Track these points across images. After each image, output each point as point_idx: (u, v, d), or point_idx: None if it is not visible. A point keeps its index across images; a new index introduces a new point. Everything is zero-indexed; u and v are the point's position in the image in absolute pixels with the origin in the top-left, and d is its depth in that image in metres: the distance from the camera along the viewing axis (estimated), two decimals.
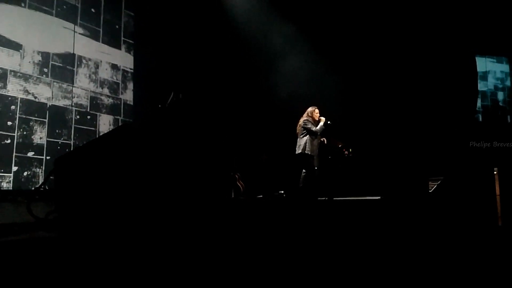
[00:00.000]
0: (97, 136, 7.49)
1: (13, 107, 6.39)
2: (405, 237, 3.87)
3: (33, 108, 6.67)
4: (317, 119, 6.61)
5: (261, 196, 7.22)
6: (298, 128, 6.65)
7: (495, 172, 6.11)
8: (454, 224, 4.59)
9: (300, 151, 6.50)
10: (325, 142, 6.74)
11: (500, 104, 10.13)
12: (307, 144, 6.43)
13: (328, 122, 6.53)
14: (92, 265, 2.00)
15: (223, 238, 2.77)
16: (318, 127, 6.49)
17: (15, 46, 6.52)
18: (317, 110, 6.69)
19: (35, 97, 6.72)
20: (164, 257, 2.21)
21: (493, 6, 8.97)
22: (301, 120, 6.64)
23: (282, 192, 7.05)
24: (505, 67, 10.31)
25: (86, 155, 2.62)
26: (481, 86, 10.05)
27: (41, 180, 6.55)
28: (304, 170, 6.39)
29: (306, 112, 6.71)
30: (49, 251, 1.98)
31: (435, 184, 5.64)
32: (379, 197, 5.29)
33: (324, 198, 6.15)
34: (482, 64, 10.17)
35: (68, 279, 1.88)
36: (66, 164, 2.65)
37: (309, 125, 6.49)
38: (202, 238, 2.58)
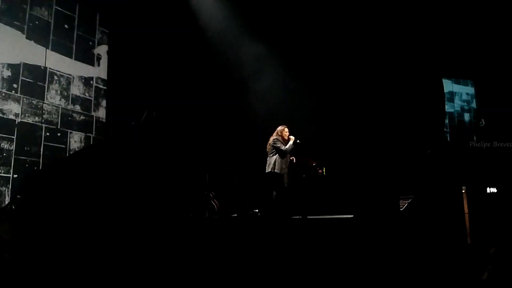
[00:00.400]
0: (67, 154, 7.33)
1: None
2: (377, 254, 3.92)
3: (1, 124, 6.48)
4: (286, 138, 6.69)
5: (236, 215, 7.17)
6: (268, 147, 6.71)
7: (463, 191, 6.28)
8: (425, 242, 4.68)
9: (269, 169, 6.56)
10: (294, 161, 6.81)
11: (466, 125, 10.52)
12: (276, 163, 6.50)
13: (298, 141, 6.62)
14: None
15: (196, 257, 2.74)
16: (288, 146, 6.57)
17: None
18: (286, 129, 6.77)
19: (3, 113, 6.54)
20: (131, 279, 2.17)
21: (459, 30, 9.36)
22: (271, 139, 6.71)
23: (257, 211, 7.03)
24: (470, 90, 10.74)
25: (55, 174, 2.56)
26: (448, 108, 10.41)
27: (7, 200, 6.33)
28: (274, 191, 6.44)
29: (275, 131, 6.78)
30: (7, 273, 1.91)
31: (406, 203, 5.75)
32: (351, 216, 5.35)
33: (298, 217, 6.17)
34: (449, 86, 10.56)
35: None
36: (34, 183, 2.58)
37: (278, 144, 6.56)
38: (175, 258, 2.54)
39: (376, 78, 9.25)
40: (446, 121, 10.25)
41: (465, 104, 10.63)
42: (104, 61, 8.39)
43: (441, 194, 6.20)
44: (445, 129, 10.22)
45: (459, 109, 10.54)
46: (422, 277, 3.60)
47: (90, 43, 8.17)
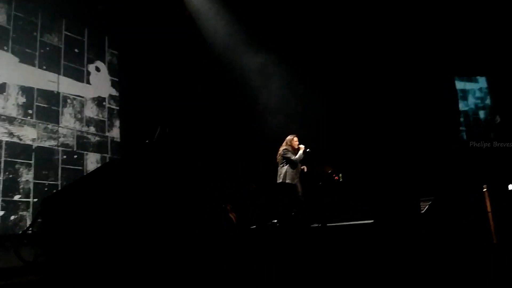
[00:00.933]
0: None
1: None
2: (400, 258, 3.84)
3: (18, 150, 6.59)
4: (296, 147, 6.67)
5: (255, 226, 7.13)
6: (278, 158, 6.70)
7: (484, 189, 6.16)
8: (449, 244, 4.58)
9: (280, 180, 6.55)
10: (305, 170, 6.76)
11: (482, 122, 10.36)
12: (287, 173, 6.48)
13: (307, 150, 6.59)
14: None
15: (219, 271, 2.72)
16: (297, 155, 6.55)
17: None
18: (296, 138, 6.75)
19: (20, 139, 6.65)
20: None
21: (469, 26, 9.26)
22: (281, 149, 6.70)
23: (276, 221, 6.98)
24: (483, 86, 10.59)
25: (73, 194, 2.58)
26: (462, 106, 10.27)
27: (28, 223, 6.40)
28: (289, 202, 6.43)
29: (285, 141, 6.77)
30: None
31: (426, 205, 5.65)
32: (371, 221, 5.27)
33: (317, 225, 6.11)
34: (461, 84, 10.44)
35: None
36: (53, 205, 2.60)
37: (289, 155, 6.55)
38: (198, 272, 2.52)
39: (388, 81, 9.18)
40: (461, 119, 10.11)
41: (479, 101, 10.48)
42: (115, 82, 8.50)
43: (462, 194, 6.09)
44: (460, 128, 10.07)
45: (473, 107, 10.39)
46: (447, 279, 3.52)
47: (102, 65, 8.29)
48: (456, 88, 10.35)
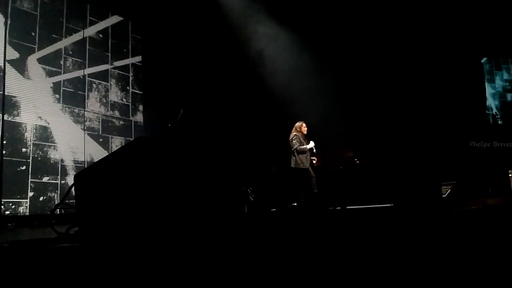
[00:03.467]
0: None
1: (26, 134, 6.53)
2: (419, 243, 3.84)
3: (46, 133, 6.80)
4: (305, 133, 6.82)
5: (275, 209, 7.21)
6: (290, 143, 6.79)
7: (510, 175, 6.06)
8: (471, 229, 4.54)
9: (292, 165, 6.71)
10: (315, 161, 6.80)
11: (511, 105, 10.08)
12: (297, 158, 6.62)
13: (314, 150, 6.67)
14: (111, 271, 2.07)
15: (239, 252, 2.80)
16: (303, 146, 6.62)
17: (26, 74, 6.69)
18: (304, 125, 6.88)
19: (48, 123, 6.85)
20: (178, 267, 2.25)
21: (502, 10, 8.97)
22: (291, 135, 6.78)
23: (296, 204, 7.05)
24: None
25: (104, 168, 2.68)
26: (489, 89, 10.01)
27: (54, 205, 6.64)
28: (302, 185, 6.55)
29: (294, 127, 6.86)
30: (73, 259, 2.05)
31: (448, 188, 5.60)
32: (391, 204, 5.27)
33: (337, 208, 6.15)
34: (490, 66, 10.15)
35: (91, 284, 1.95)
36: (85, 179, 2.71)
37: (295, 142, 6.65)
38: (219, 251, 2.60)
39: (414, 61, 9.01)
40: (488, 102, 9.85)
41: (507, 84, 10.19)
42: (138, 67, 8.62)
43: (486, 178, 6.00)
44: (486, 111, 9.83)
45: (501, 89, 10.11)
46: (469, 267, 3.51)
47: (125, 50, 8.42)
48: (483, 69, 10.08)
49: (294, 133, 6.77)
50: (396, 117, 8.80)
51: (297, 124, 6.88)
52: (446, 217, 4.60)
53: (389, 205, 5.29)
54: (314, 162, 6.79)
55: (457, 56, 9.37)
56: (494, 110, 9.89)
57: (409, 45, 9.07)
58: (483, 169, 6.45)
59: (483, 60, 10.10)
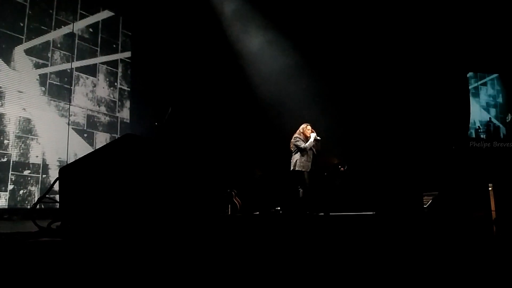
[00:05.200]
0: None
1: (9, 125, 6.42)
2: (399, 251, 3.89)
3: (30, 126, 6.70)
4: (308, 135, 6.70)
5: (258, 212, 7.22)
6: (291, 146, 6.75)
7: (490, 188, 6.16)
8: (450, 239, 4.61)
9: (292, 167, 6.62)
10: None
11: (492, 120, 10.27)
12: (297, 161, 6.54)
13: (318, 138, 6.61)
14: (95, 266, 2.05)
15: (218, 254, 2.79)
16: (308, 143, 6.59)
17: (13, 65, 6.59)
18: (309, 127, 6.77)
19: (32, 115, 6.75)
20: (161, 263, 2.24)
21: (485, 24, 9.15)
22: (292, 138, 6.75)
23: (279, 208, 7.07)
24: (496, 84, 10.49)
25: (90, 164, 2.66)
26: (473, 103, 10.19)
27: (36, 199, 6.54)
28: (299, 187, 6.46)
29: (298, 129, 6.81)
30: (55, 253, 2.03)
31: (430, 199, 5.68)
32: (373, 212, 5.32)
33: (320, 214, 6.18)
34: (474, 81, 10.34)
35: (73, 278, 1.94)
36: (71, 173, 2.68)
37: (299, 142, 6.60)
38: (198, 251, 2.60)
39: (398, 74, 9.13)
40: (471, 117, 10.02)
41: (491, 99, 10.39)
42: (127, 63, 8.56)
43: (467, 191, 6.09)
44: (470, 125, 10.00)
45: (484, 104, 10.30)
46: (446, 272, 3.56)
47: (114, 46, 8.35)
48: (468, 84, 10.25)
49: (297, 135, 6.72)
50: (380, 125, 8.90)
51: (302, 125, 6.79)
52: (426, 227, 4.66)
53: (371, 213, 5.34)
54: (319, 138, 6.68)
55: (443, 69, 9.53)
56: (478, 124, 10.07)
57: (397, 52, 9.18)
58: (465, 181, 6.55)
59: (469, 74, 10.28)
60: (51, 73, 7.11)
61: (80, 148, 7.35)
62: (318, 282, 3.07)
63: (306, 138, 6.68)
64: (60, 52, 7.30)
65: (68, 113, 7.30)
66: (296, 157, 6.59)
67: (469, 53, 9.61)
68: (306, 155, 6.62)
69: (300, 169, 6.49)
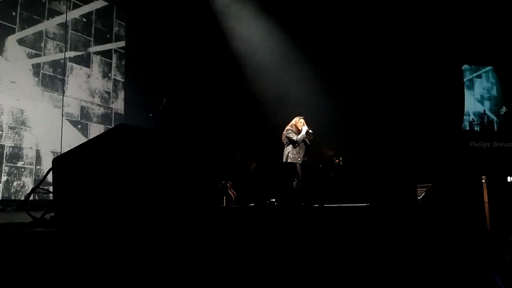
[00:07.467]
0: None
1: (2, 116, 6.37)
2: (394, 242, 3.92)
3: (23, 117, 6.65)
4: (300, 128, 6.69)
5: (253, 204, 7.23)
6: (283, 138, 6.75)
7: (483, 181, 6.20)
8: (443, 231, 4.65)
9: (284, 160, 6.63)
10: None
11: (487, 113, 10.31)
12: (289, 153, 6.55)
13: (310, 131, 6.61)
14: (89, 256, 2.05)
15: (212, 245, 2.80)
16: (299, 135, 6.59)
17: (5, 55, 6.52)
18: (302, 120, 6.76)
19: (25, 106, 6.69)
20: (157, 255, 2.24)
21: (480, 16, 9.15)
22: (285, 129, 6.75)
23: (274, 200, 7.08)
24: (491, 76, 10.51)
25: (84, 154, 2.64)
26: (467, 95, 10.21)
27: (30, 190, 6.51)
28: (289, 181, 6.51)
29: (291, 122, 6.82)
30: (49, 243, 2.02)
31: (423, 191, 5.72)
32: (367, 204, 5.35)
33: (315, 205, 6.19)
34: (469, 73, 10.36)
35: (67, 268, 1.94)
36: (64, 163, 2.66)
37: (291, 134, 6.59)
38: (193, 242, 2.60)
39: (393, 66, 9.13)
40: (466, 109, 10.05)
41: (486, 92, 10.41)
42: (122, 54, 8.49)
43: (460, 182, 6.14)
44: (464, 117, 10.04)
45: (479, 97, 10.33)
46: (439, 265, 3.60)
47: (108, 36, 8.27)
48: (463, 76, 10.27)
49: (289, 127, 6.70)
50: (376, 117, 8.92)
51: (295, 118, 6.78)
52: (420, 219, 4.69)
53: (365, 204, 5.37)
54: (311, 131, 6.68)
55: (438, 62, 9.54)
56: (472, 117, 10.10)
57: (392, 45, 9.18)
58: (458, 174, 6.59)
59: (464, 66, 10.29)
60: (44, 63, 7.04)
61: (74, 139, 7.29)
62: (313, 273, 3.09)
63: (298, 131, 6.68)
64: (53, 42, 7.23)
65: (61, 104, 7.24)
66: (288, 149, 6.61)
67: (464, 45, 9.62)
68: (298, 147, 6.63)
69: (293, 161, 6.52)
